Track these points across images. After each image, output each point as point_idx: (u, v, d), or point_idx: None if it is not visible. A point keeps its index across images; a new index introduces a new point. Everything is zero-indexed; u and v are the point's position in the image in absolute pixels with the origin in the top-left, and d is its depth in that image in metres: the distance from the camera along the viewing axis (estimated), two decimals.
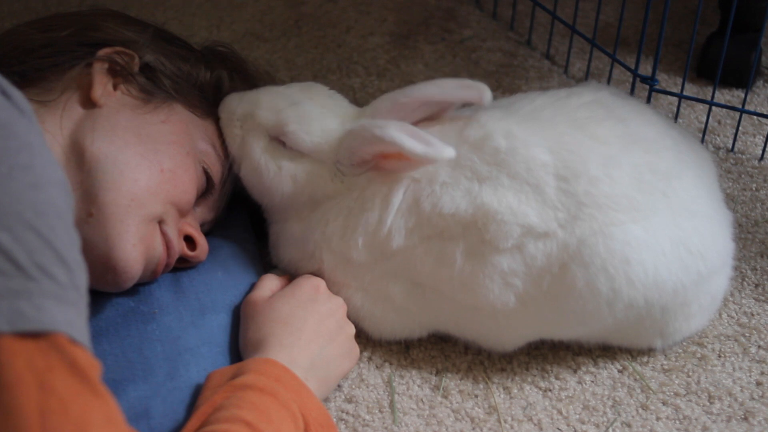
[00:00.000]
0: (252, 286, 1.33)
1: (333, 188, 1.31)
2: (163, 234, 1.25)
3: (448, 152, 1.21)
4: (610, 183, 1.23)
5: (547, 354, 1.38)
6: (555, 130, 1.27)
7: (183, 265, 1.32)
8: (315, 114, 1.31)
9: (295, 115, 1.31)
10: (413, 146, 1.20)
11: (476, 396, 1.31)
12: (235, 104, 1.35)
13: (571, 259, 1.22)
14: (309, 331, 1.23)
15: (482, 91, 1.28)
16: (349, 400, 1.30)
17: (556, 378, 1.34)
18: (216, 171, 1.34)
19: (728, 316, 1.44)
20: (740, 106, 1.77)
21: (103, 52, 1.27)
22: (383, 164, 1.27)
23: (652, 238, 1.23)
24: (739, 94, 1.91)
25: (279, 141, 1.31)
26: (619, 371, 1.35)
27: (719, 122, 1.85)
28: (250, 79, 1.46)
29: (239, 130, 1.34)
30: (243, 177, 1.36)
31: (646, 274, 1.23)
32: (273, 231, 1.40)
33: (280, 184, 1.32)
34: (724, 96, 1.92)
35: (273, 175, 1.31)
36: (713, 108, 1.82)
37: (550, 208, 1.23)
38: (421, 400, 1.30)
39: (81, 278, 0.82)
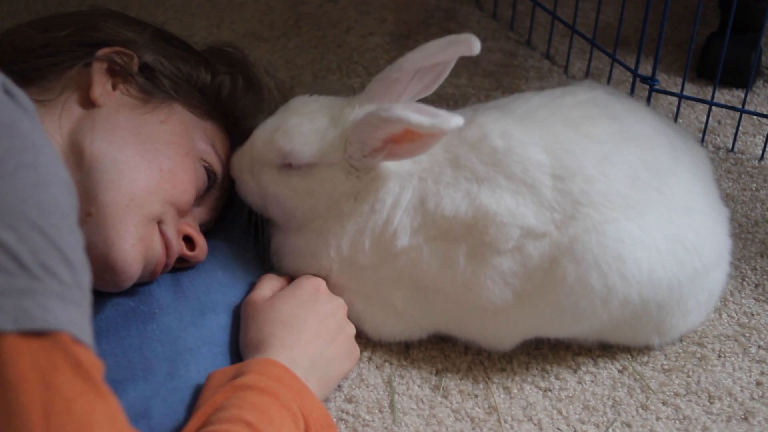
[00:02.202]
0: (252, 286, 1.33)
1: (350, 185, 1.29)
2: (162, 234, 1.25)
3: (455, 121, 1.17)
4: (605, 181, 1.24)
5: (547, 354, 1.38)
6: (550, 129, 1.27)
7: (182, 265, 1.32)
8: (303, 123, 1.29)
9: (284, 135, 1.28)
10: (419, 120, 1.17)
11: (476, 396, 1.31)
12: (239, 158, 1.34)
13: (562, 254, 1.23)
14: (310, 332, 1.23)
15: (470, 41, 1.24)
16: (349, 400, 1.30)
17: (556, 378, 1.34)
18: (216, 171, 1.34)
19: (728, 316, 1.44)
20: (740, 106, 1.77)
21: (103, 52, 1.27)
22: (396, 150, 1.25)
23: (647, 235, 1.24)
24: (739, 94, 1.91)
25: (287, 166, 1.29)
26: (619, 371, 1.35)
27: (719, 122, 1.85)
28: (253, 81, 1.45)
29: (251, 181, 1.33)
30: (270, 215, 1.35)
31: (640, 270, 1.24)
32: (276, 240, 1.39)
33: (299, 204, 1.30)
34: (724, 96, 1.92)
35: (290, 198, 1.30)
36: (713, 108, 1.82)
37: (547, 209, 1.23)
38: (421, 400, 1.30)
39: (84, 278, 0.82)
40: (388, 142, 1.24)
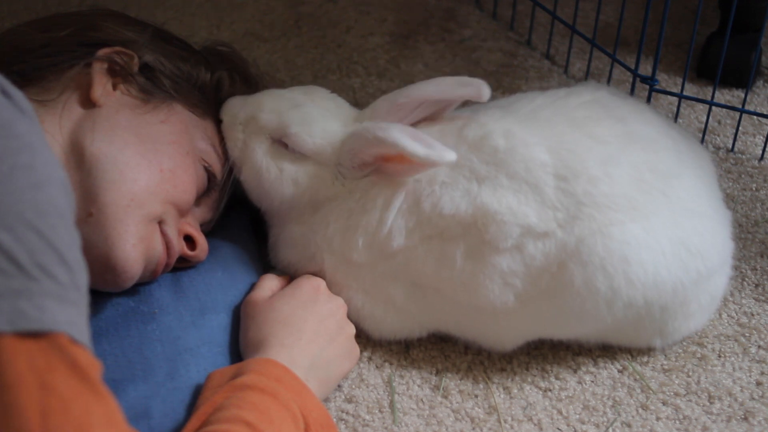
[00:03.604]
0: (252, 286, 1.33)
1: (333, 191, 1.31)
2: (163, 234, 1.25)
3: (449, 156, 1.20)
4: (609, 182, 1.24)
5: (547, 354, 1.38)
6: (554, 129, 1.27)
7: (183, 264, 1.32)
8: (317, 116, 1.31)
9: (297, 117, 1.30)
10: (414, 148, 1.19)
11: (476, 396, 1.31)
12: (238, 108, 1.34)
13: (570, 258, 1.22)
14: (309, 332, 1.23)
15: (480, 88, 1.28)
16: (349, 400, 1.30)
17: (556, 378, 1.34)
18: (216, 170, 1.34)
19: (728, 316, 1.44)
20: (740, 106, 1.77)
21: (103, 52, 1.27)
22: (384, 168, 1.27)
23: (652, 237, 1.23)
24: (739, 94, 1.91)
25: (281, 144, 1.31)
26: (619, 371, 1.35)
27: (719, 122, 1.85)
28: (250, 80, 1.46)
29: (241, 133, 1.33)
30: (244, 180, 1.35)
31: (645, 273, 1.23)
32: (272, 233, 1.40)
33: (281, 187, 1.31)
34: (724, 96, 1.92)
35: (274, 177, 1.31)
36: (713, 108, 1.82)
37: (550, 208, 1.23)
38: (421, 400, 1.30)
39: (82, 278, 0.82)
40: (379, 159, 1.26)
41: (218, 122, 1.37)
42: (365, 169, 1.28)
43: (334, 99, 1.36)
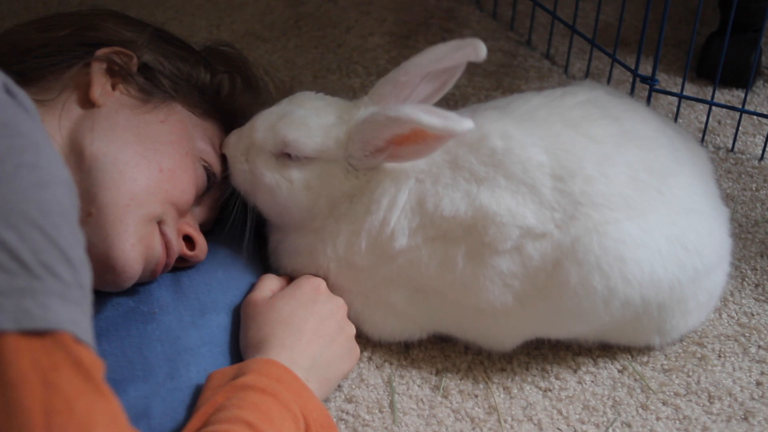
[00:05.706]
0: (252, 286, 1.33)
1: (349, 185, 1.29)
2: (163, 234, 1.25)
3: (467, 124, 1.18)
4: (605, 182, 1.24)
5: (547, 354, 1.38)
6: (550, 129, 1.27)
7: (182, 264, 1.32)
8: (309, 116, 1.29)
9: (290, 124, 1.28)
10: (432, 121, 1.18)
11: (476, 396, 1.31)
12: (236, 140, 1.32)
13: (565, 257, 1.23)
14: (310, 332, 1.23)
15: (476, 46, 1.26)
16: (349, 400, 1.30)
17: (556, 378, 1.34)
18: (216, 170, 1.34)
19: (728, 316, 1.44)
20: (740, 106, 1.77)
21: (102, 52, 1.27)
22: (398, 152, 1.25)
23: (648, 235, 1.24)
24: (739, 94, 1.91)
25: (285, 156, 1.29)
26: (619, 371, 1.35)
27: (719, 122, 1.85)
28: (251, 80, 1.46)
29: (245, 164, 1.31)
30: (259, 205, 1.33)
31: (641, 271, 1.24)
32: (273, 239, 1.39)
33: (296, 197, 1.29)
34: (724, 96, 1.92)
35: (286, 191, 1.29)
36: (713, 108, 1.82)
37: (547, 209, 1.23)
38: (421, 400, 1.30)
39: (85, 277, 0.82)
40: (392, 143, 1.24)
41: (217, 123, 1.37)
42: (378, 156, 1.26)
43: (321, 98, 1.34)
